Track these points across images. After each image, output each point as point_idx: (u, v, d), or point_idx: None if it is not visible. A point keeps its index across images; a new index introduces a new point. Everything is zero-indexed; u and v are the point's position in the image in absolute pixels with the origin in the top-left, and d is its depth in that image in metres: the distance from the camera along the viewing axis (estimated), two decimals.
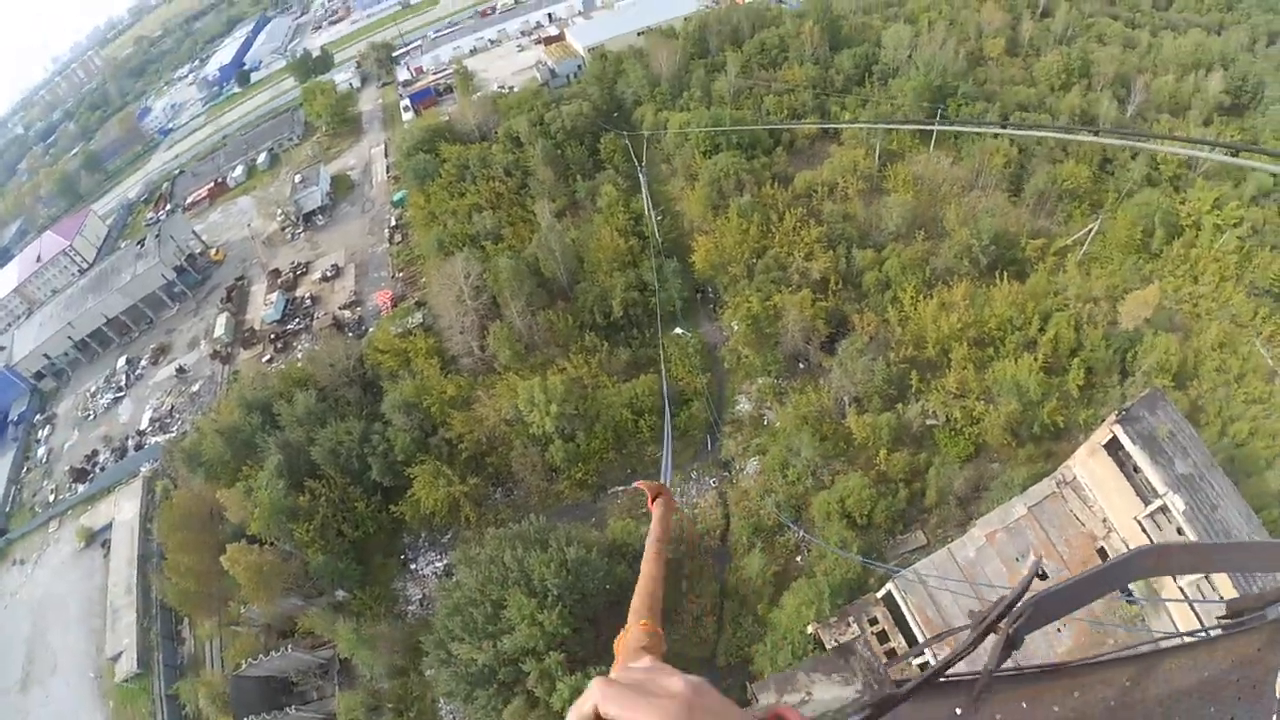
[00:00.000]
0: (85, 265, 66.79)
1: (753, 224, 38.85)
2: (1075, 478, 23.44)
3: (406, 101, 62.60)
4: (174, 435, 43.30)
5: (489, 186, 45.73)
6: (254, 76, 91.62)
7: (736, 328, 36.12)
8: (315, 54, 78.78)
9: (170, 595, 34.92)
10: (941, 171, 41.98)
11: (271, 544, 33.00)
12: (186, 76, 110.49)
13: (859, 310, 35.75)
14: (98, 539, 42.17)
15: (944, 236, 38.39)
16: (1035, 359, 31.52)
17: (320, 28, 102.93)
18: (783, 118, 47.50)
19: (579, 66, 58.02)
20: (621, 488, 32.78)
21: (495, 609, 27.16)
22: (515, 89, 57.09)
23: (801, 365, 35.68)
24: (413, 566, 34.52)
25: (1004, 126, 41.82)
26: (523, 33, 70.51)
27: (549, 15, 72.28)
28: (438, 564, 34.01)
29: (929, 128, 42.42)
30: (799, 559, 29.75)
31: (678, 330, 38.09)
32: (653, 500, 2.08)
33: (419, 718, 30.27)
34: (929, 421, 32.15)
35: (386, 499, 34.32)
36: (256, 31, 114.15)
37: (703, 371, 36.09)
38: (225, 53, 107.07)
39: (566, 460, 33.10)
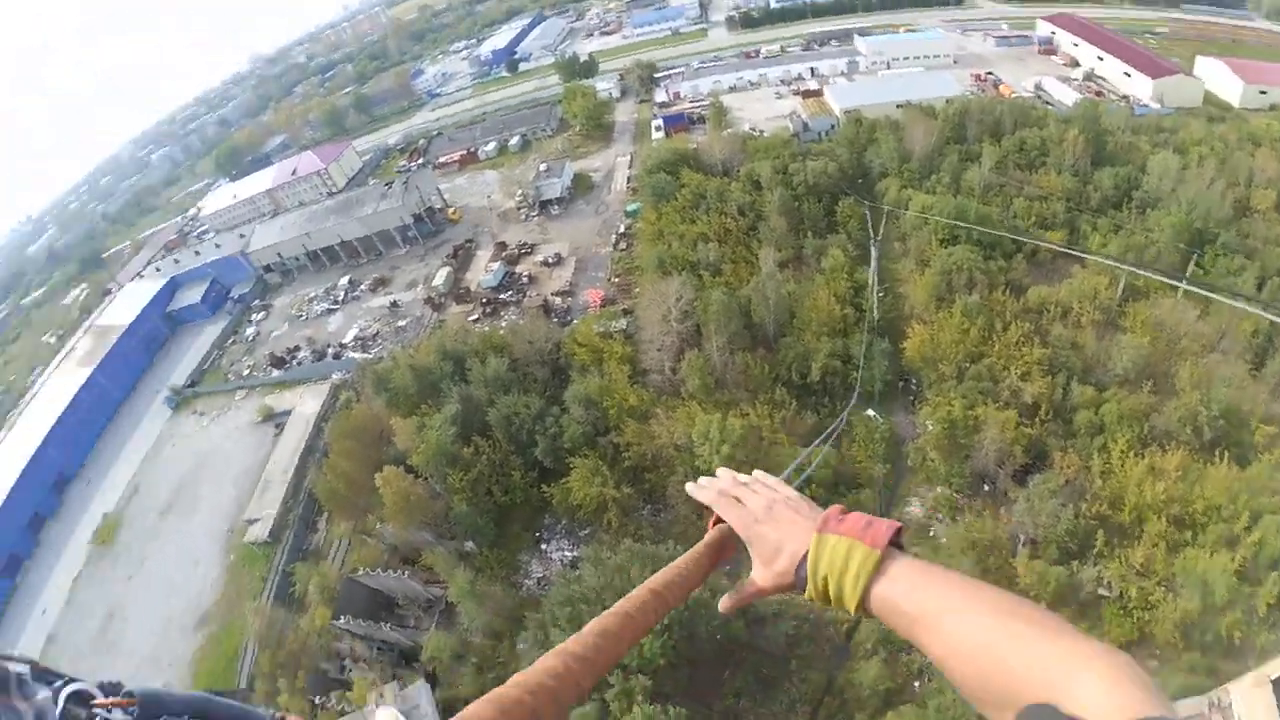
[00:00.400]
0: (334, 190, 78.92)
1: (975, 326, 39.13)
2: (1230, 704, 22.27)
3: (659, 122, 69.23)
4: (371, 357, 49.91)
5: (720, 220, 49.31)
6: (522, 66, 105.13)
7: (930, 428, 36.35)
8: (583, 59, 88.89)
9: (320, 489, 40.33)
10: (1185, 324, 40.28)
11: (425, 479, 37.12)
12: (461, 51, 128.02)
13: (1063, 448, 34.80)
14: (275, 420, 49.54)
15: (1172, 395, 36.83)
16: (1232, 559, 29.68)
17: (591, 35, 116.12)
18: (1029, 225, 47.44)
19: (832, 126, 61.44)
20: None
21: None
22: (765, 134, 61.05)
23: (986, 487, 35.55)
24: (544, 547, 37.78)
25: (1255, 301, 40.27)
26: (782, 81, 76.27)
27: (811, 69, 77.39)
28: (567, 553, 36.88)
29: (1174, 283, 41.60)
30: (917, 684, 29.97)
31: (870, 412, 38.90)
32: (714, 522, 1.74)
33: (495, 683, 34.05)
34: (1101, 591, 31.28)
35: (542, 478, 37.77)
36: (532, 26, 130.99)
37: (883, 461, 36.71)
38: (500, 38, 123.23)
39: None
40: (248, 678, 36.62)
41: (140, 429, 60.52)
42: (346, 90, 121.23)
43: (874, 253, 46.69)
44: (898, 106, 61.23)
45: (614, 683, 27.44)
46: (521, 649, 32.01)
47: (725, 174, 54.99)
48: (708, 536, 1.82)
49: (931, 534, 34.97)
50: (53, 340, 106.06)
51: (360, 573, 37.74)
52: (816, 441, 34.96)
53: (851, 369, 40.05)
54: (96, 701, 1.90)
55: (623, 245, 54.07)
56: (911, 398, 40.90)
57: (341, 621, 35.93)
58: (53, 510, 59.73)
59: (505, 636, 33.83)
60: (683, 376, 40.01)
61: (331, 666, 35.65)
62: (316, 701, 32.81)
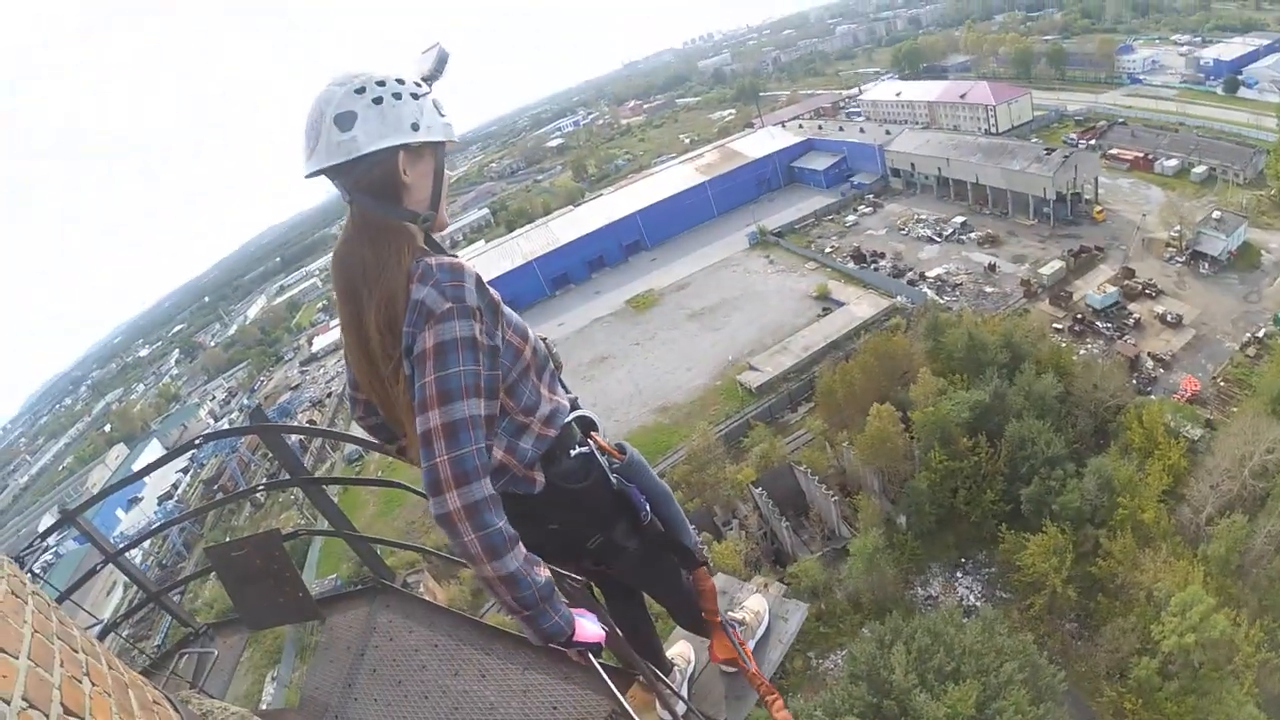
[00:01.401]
0: (993, 130, 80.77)
1: None
2: None
3: None
4: (941, 301, 52.94)
5: None
6: (1242, 91, 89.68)
7: None
8: None
9: (822, 382, 45.10)
10: None
11: (912, 437, 39.30)
12: (1182, 45, 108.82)
13: None
14: (825, 302, 56.50)
15: None
16: None
17: None
18: None
19: None
20: None
21: (950, 674, 28.17)
22: None
23: None
24: (959, 575, 38.17)
25: None
26: None
27: None
28: (972, 599, 36.80)
29: None
30: None
31: None
32: None
33: (821, 638, 35.72)
34: None
35: (1010, 516, 37.19)
36: (1270, 50, 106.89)
37: None
38: (1228, 49, 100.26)
39: (1139, 686, 30.66)
40: (658, 474, 44.52)
41: (716, 245, 74.37)
42: (1047, 38, 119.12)
43: None
44: None
45: None
46: (864, 634, 32.93)
47: None
48: None
49: None
50: (686, 141, 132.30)
51: (802, 468, 42.41)
52: None
53: None
54: (595, 436, 2.77)
55: (1252, 350, 45.89)
56: None
57: (757, 490, 41.45)
58: (614, 262, 77.59)
59: (861, 613, 35.86)
60: (1212, 533, 34.60)
61: (721, 515, 41.21)
62: None
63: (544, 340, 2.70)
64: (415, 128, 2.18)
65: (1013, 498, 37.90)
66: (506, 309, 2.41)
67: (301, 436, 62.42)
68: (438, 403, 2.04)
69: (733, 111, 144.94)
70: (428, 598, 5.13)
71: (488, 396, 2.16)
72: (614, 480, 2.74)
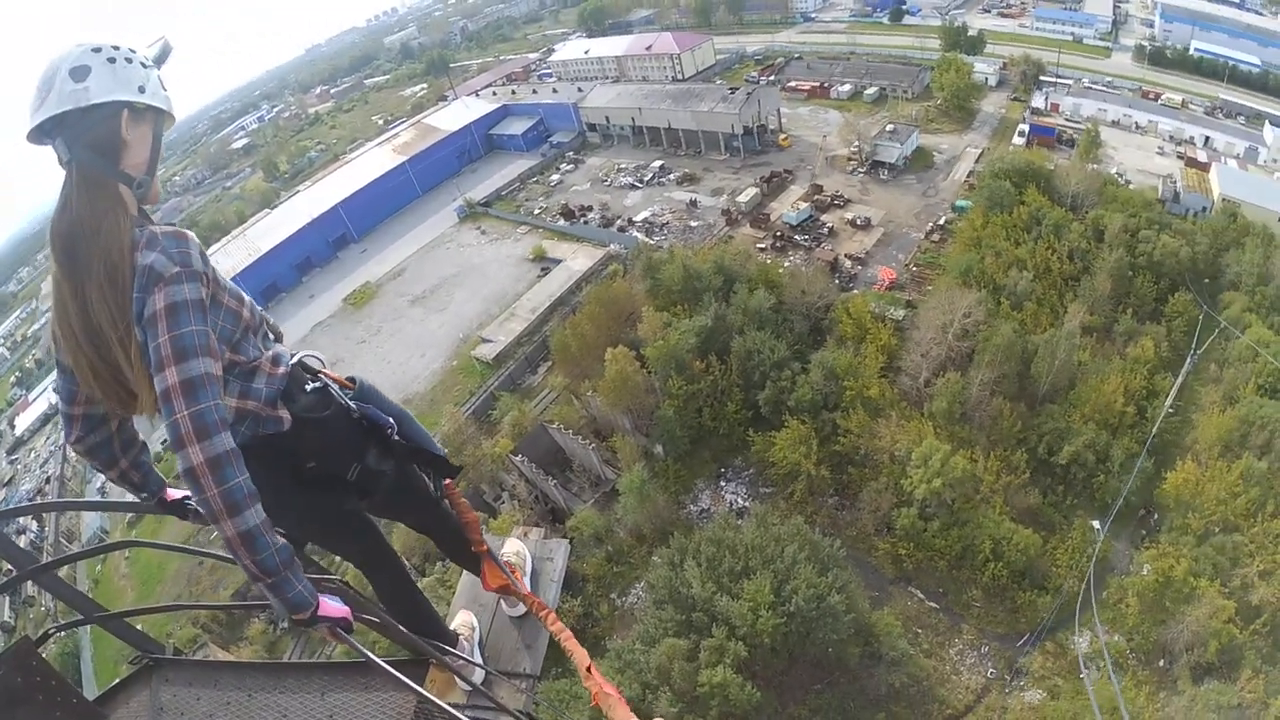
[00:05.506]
0: (679, 77, 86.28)
1: (1248, 495, 34.63)
2: None
3: (1026, 128, 66.37)
4: (652, 242, 55.53)
5: (1045, 255, 48.12)
6: (907, 19, 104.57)
7: (1146, 572, 33.82)
8: (970, 32, 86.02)
9: (555, 340, 46.24)
10: None
11: (649, 373, 41.37)
12: None
13: (1260, 670, 29.72)
14: (543, 263, 57.33)
15: None
16: None
17: (989, 11, 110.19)
18: None
19: (1204, 208, 56.44)
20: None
21: (741, 572, 31.62)
22: (1130, 185, 58.46)
23: (1161, 662, 32.68)
24: (722, 484, 41.25)
25: None
26: (1170, 137, 69.82)
27: (1206, 138, 70.75)
28: (740, 500, 40.14)
29: None
30: None
31: (1095, 523, 37.30)
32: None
33: (616, 577, 37.15)
34: None
35: (753, 422, 40.99)
36: None
37: (1080, 579, 35.38)
38: None
39: (906, 533, 35.86)
40: None
41: (425, 224, 72.60)
42: None
43: (1187, 365, 43.47)
44: None
45: (716, 634, 29.45)
46: (655, 561, 35.19)
47: (1071, 209, 52.79)
48: None
49: (1081, 676, 33.17)
50: (380, 122, 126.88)
51: (556, 425, 43.30)
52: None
53: (1104, 471, 37.94)
54: (323, 371, 3.07)
55: (936, 236, 54.24)
56: (1145, 532, 37.88)
57: (518, 458, 41.73)
58: (323, 261, 73.03)
59: (647, 543, 37.74)
60: (932, 393, 40.56)
61: (489, 491, 41.36)
62: None
63: (256, 306, 2.90)
64: (142, 90, 2.39)
65: (752, 404, 41.71)
66: (222, 275, 2.61)
67: (29, 525, 54.20)
68: (174, 361, 2.15)
69: (425, 86, 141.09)
70: None
71: (217, 357, 2.31)
72: (353, 407, 2.98)
